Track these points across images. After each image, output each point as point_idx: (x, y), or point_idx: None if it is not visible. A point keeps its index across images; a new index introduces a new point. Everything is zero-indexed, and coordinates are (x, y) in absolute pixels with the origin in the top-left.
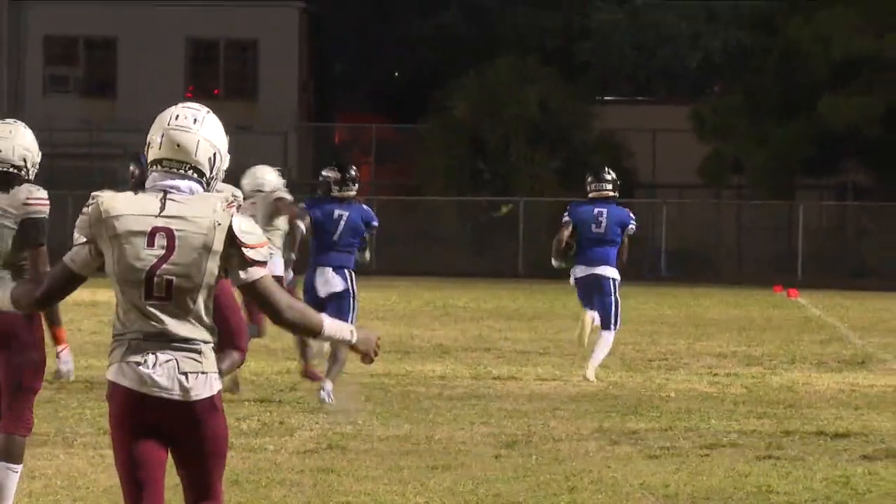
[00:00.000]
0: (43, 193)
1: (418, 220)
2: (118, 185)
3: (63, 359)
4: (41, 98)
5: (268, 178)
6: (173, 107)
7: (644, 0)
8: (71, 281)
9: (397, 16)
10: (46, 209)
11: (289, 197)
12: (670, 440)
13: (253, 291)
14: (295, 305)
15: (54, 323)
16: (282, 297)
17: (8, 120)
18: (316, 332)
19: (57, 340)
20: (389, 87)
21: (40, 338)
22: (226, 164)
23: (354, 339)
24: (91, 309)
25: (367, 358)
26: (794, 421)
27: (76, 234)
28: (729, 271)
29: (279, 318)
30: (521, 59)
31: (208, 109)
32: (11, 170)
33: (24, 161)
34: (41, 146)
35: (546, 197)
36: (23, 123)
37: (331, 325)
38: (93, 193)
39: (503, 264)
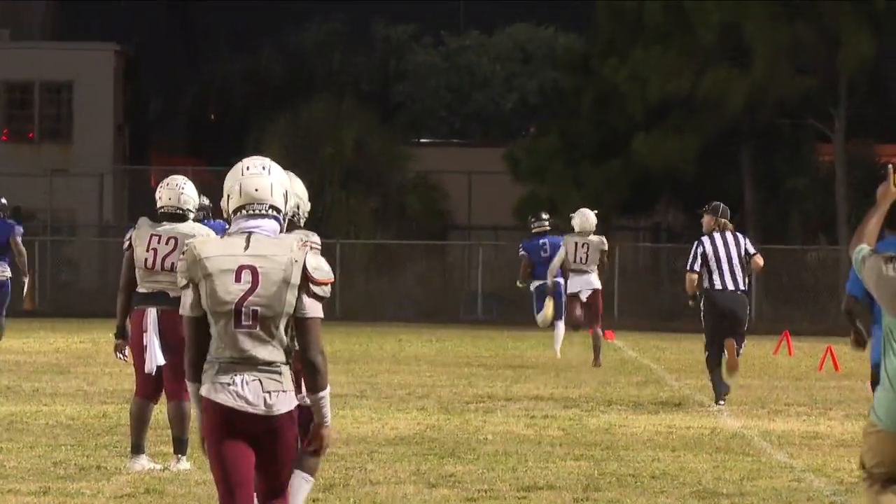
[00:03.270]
0: (316, 238)
1: None
2: None
3: None
4: None
5: None
6: (241, 161)
7: (459, 43)
8: (198, 325)
9: (210, 56)
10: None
11: None
12: (488, 482)
13: (301, 324)
14: (322, 356)
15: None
16: (318, 342)
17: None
18: (318, 389)
19: None
20: (203, 128)
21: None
22: (307, 206)
23: (327, 424)
24: None
25: (317, 448)
26: (612, 463)
27: (179, 278)
28: None
29: (305, 355)
30: (336, 100)
31: (270, 160)
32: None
33: (297, 208)
34: None
35: (362, 239)
36: (292, 174)
37: (327, 396)
38: (185, 241)
39: None
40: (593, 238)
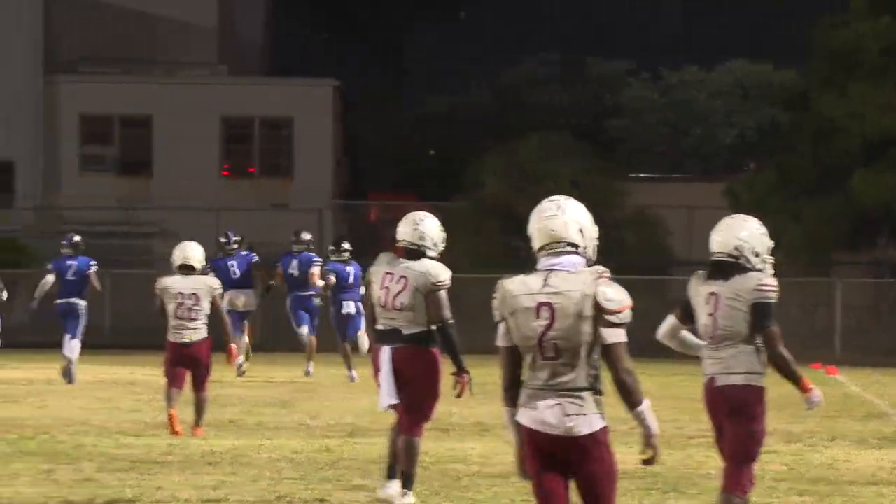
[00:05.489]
0: (772, 281)
1: (452, 298)
2: (154, 263)
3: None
4: (77, 176)
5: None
6: (540, 203)
7: (678, 78)
8: (513, 354)
9: (425, 93)
10: (775, 295)
11: None
12: None
13: (606, 350)
14: (629, 375)
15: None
16: (626, 363)
17: (735, 215)
18: (634, 404)
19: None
20: (420, 164)
21: (762, 412)
22: (595, 232)
23: (655, 433)
24: (129, 388)
25: (650, 456)
26: (836, 498)
27: (495, 314)
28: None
29: (615, 376)
30: (552, 135)
31: (567, 196)
32: (728, 259)
33: (740, 251)
34: (77, 224)
35: None
36: (750, 218)
37: (648, 407)
38: (499, 281)
39: None
40: None
